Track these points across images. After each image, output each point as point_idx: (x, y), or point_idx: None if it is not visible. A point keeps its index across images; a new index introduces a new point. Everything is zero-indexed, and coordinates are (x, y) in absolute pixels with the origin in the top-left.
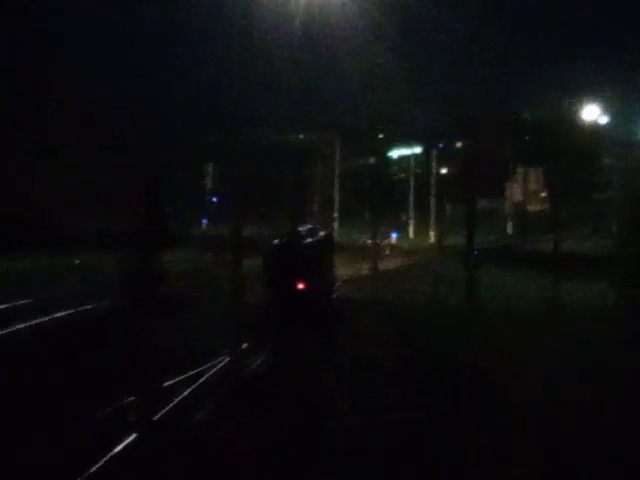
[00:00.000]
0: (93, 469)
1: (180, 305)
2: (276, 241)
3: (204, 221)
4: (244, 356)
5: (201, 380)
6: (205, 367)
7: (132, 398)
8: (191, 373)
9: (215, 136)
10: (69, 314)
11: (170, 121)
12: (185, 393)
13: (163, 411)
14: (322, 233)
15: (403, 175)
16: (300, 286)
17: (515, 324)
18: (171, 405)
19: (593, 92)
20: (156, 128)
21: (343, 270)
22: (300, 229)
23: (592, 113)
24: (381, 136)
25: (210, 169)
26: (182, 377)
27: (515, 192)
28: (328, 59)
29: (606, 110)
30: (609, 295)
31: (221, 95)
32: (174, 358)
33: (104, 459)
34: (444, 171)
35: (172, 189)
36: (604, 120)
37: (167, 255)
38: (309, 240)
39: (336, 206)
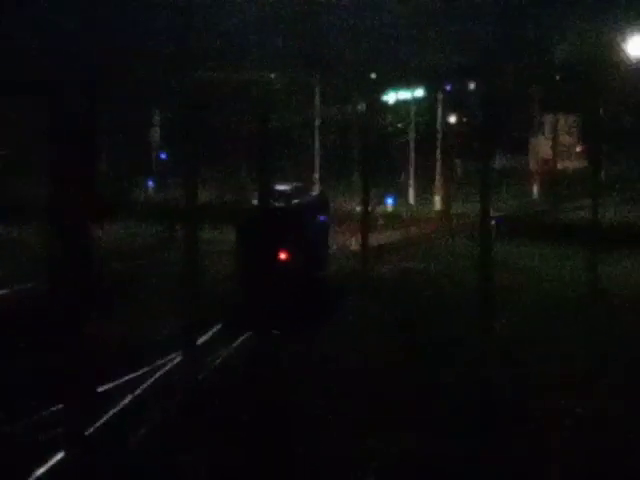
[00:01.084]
0: None
1: (121, 290)
2: (253, 203)
3: (150, 183)
4: (201, 354)
5: (146, 384)
6: (151, 367)
7: (58, 407)
8: (133, 375)
9: (161, 74)
10: None
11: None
12: (125, 401)
13: (97, 424)
14: (313, 193)
15: (401, 125)
16: (282, 256)
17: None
18: (106, 417)
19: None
20: (83, 61)
21: None
22: (283, 188)
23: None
24: (373, 76)
25: (156, 117)
26: (121, 381)
27: (542, 146)
28: None
29: None
30: None
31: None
32: (111, 356)
33: None
34: (453, 120)
35: (107, 141)
36: None
37: (102, 228)
38: (295, 201)
39: (317, 164)
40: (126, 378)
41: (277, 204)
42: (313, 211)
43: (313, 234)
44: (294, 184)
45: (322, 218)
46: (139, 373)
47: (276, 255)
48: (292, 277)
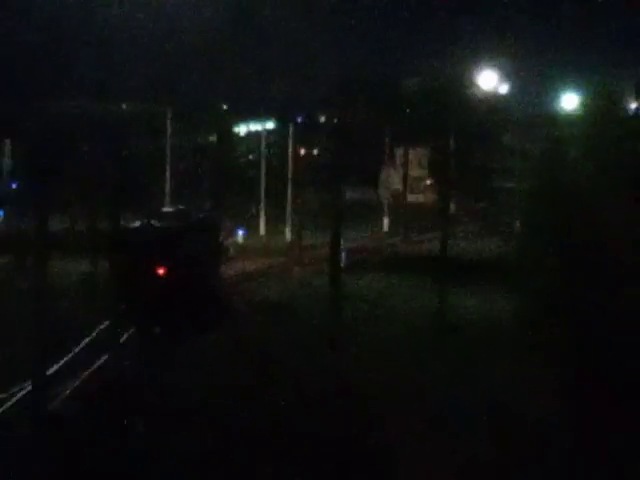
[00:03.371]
0: None
1: None
2: (135, 223)
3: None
4: (51, 384)
5: None
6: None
7: None
8: None
9: (8, 104)
10: None
11: None
12: None
13: None
14: (200, 215)
15: (252, 157)
16: (160, 271)
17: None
18: None
19: (490, 55)
20: None
21: None
22: (167, 210)
23: (489, 81)
24: (224, 107)
25: (7, 147)
26: None
27: (392, 179)
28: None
29: (506, 77)
30: (509, 310)
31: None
32: None
33: None
34: (303, 152)
35: None
36: (504, 89)
37: None
38: (176, 222)
39: (167, 193)
40: None
41: (158, 224)
42: (196, 231)
43: (195, 253)
44: (179, 207)
45: (209, 239)
46: None
47: (153, 271)
48: (170, 297)
